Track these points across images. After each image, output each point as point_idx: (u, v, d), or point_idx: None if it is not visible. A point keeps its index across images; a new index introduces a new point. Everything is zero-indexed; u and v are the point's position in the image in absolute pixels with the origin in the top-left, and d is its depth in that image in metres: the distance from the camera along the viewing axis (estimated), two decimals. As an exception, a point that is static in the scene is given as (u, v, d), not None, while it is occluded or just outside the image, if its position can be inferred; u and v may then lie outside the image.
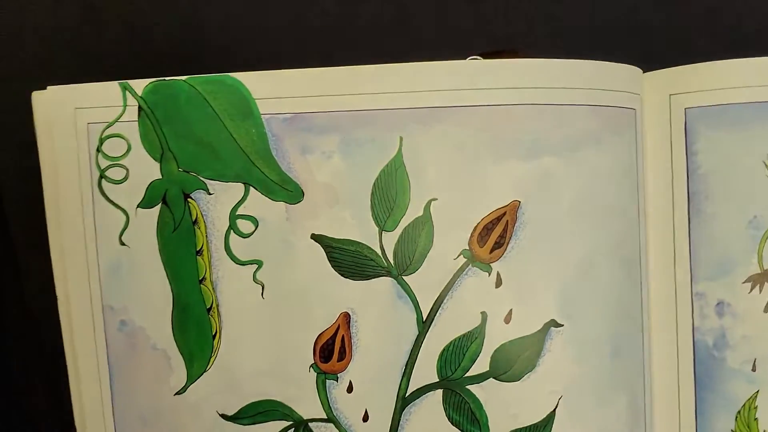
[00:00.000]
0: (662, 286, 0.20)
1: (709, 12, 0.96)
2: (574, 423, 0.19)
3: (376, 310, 0.19)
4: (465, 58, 0.55)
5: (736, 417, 0.20)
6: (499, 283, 0.19)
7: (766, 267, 0.20)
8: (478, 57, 0.20)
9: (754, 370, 0.20)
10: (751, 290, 0.20)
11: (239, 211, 0.20)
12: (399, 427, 0.20)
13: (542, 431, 0.19)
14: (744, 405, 0.20)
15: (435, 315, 0.20)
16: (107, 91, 0.20)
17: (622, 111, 0.20)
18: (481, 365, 0.19)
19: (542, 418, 0.19)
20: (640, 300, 0.20)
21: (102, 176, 0.20)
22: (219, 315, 0.20)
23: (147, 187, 0.20)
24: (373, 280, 0.20)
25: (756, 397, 0.20)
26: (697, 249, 0.20)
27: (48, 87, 0.21)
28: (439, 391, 0.20)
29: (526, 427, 0.19)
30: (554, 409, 0.19)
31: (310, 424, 0.21)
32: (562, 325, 0.19)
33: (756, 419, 0.20)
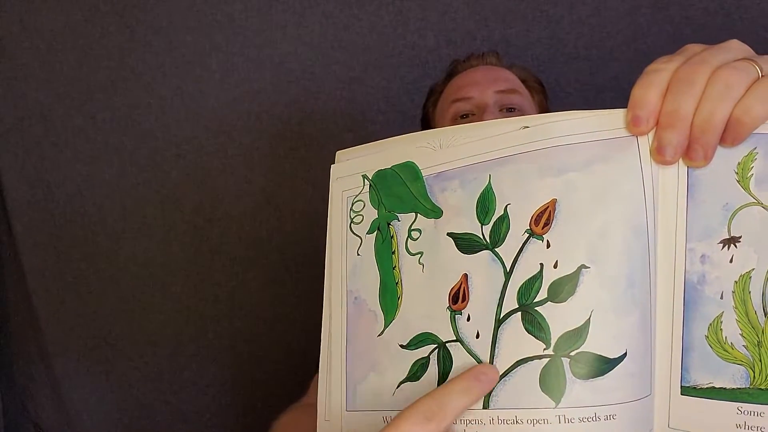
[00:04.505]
0: (667, 243, 0.31)
1: (706, 13, 0.95)
2: (603, 327, 0.31)
3: (480, 270, 0.34)
4: (465, 59, 0.60)
5: (708, 327, 0.30)
6: (548, 245, 0.32)
7: (732, 234, 0.30)
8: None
9: (721, 298, 0.30)
10: (722, 249, 0.30)
11: (412, 227, 0.36)
12: (497, 339, 0.32)
13: (583, 332, 0.31)
14: (713, 320, 0.30)
15: (513, 268, 0.33)
16: (355, 178, 0.39)
17: (626, 138, 0.32)
18: (542, 295, 0.32)
19: (582, 323, 0.31)
20: (647, 253, 0.31)
21: (351, 221, 0.39)
22: (402, 286, 0.36)
23: (371, 222, 0.38)
24: (478, 253, 0.34)
25: (721, 315, 0.30)
26: (691, 221, 0.31)
27: (331, 168, 0.40)
28: (519, 313, 0.32)
29: (573, 330, 0.31)
30: (589, 318, 0.31)
31: (446, 344, 0.34)
32: (589, 267, 0.31)
33: (721, 329, 0.30)
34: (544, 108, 0.78)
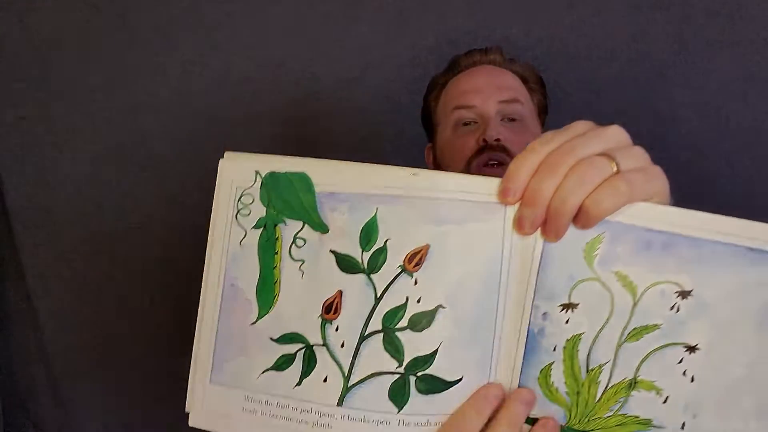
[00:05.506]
0: (519, 297, 0.36)
1: (706, 13, 0.94)
2: (447, 357, 0.36)
3: (355, 290, 0.37)
4: (467, 53, 0.60)
5: (540, 371, 0.36)
6: (416, 283, 0.36)
7: (571, 301, 0.35)
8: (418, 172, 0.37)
9: (554, 350, 0.36)
10: (561, 311, 0.36)
11: (298, 235, 0.38)
12: (359, 351, 0.37)
13: (431, 358, 0.36)
14: (545, 366, 0.36)
15: (383, 295, 0.37)
16: (247, 171, 0.39)
17: (497, 204, 0.36)
18: (403, 323, 0.36)
19: (431, 351, 0.36)
20: (496, 305, 0.37)
21: (238, 212, 0.39)
22: (280, 285, 0.38)
23: (257, 219, 0.39)
24: (355, 275, 0.37)
25: (552, 364, 0.36)
26: (540, 283, 0.36)
27: (220, 160, 0.39)
28: (381, 334, 0.37)
29: (423, 355, 0.36)
30: (437, 348, 0.36)
31: (313, 347, 0.38)
32: (445, 308, 0.36)
33: (550, 375, 0.36)
34: (543, 108, 0.78)
